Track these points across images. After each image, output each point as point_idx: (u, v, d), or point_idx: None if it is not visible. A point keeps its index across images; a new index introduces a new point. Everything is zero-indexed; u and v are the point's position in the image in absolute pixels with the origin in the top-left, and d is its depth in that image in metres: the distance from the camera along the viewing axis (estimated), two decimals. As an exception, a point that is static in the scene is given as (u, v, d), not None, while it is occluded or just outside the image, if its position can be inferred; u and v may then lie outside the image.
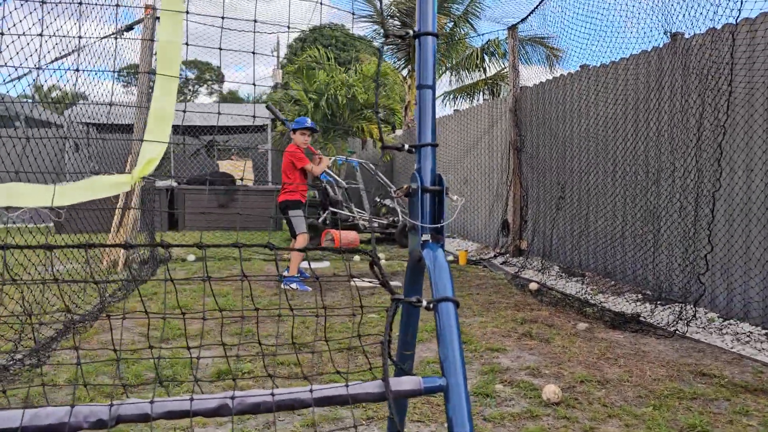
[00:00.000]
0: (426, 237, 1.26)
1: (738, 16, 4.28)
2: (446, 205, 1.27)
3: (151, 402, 1.00)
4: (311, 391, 0.98)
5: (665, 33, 5.56)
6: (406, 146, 1.31)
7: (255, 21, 1.53)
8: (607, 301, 5.60)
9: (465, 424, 1.00)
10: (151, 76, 7.85)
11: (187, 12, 1.23)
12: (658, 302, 5.26)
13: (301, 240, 6.36)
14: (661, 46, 5.58)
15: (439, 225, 1.25)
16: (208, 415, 1.00)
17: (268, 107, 7.70)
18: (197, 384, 3.43)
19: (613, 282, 6.27)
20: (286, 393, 0.98)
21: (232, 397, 0.97)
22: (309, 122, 6.56)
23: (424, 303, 1.13)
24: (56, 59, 6.36)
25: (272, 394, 0.97)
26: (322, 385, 1.01)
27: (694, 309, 4.71)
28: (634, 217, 5.99)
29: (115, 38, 6.98)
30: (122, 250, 7.16)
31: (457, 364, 1.05)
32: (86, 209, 7.12)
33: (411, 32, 1.30)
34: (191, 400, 0.98)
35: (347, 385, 1.01)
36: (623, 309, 5.26)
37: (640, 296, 5.67)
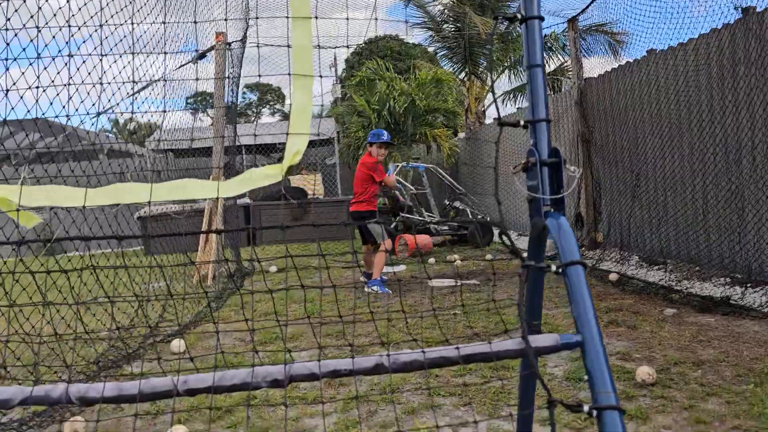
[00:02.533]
0: (547, 208, 1.38)
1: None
2: (564, 175, 1.39)
3: (319, 361, 1.18)
4: (458, 348, 1.13)
5: (736, 8, 5.44)
6: (522, 121, 1.44)
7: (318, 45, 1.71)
8: (693, 287, 5.49)
9: (605, 375, 1.11)
10: (228, 100, 8.27)
11: (317, 17, 1.42)
12: (748, 285, 5.12)
13: (387, 244, 6.56)
14: (732, 22, 5.45)
15: (559, 195, 1.37)
16: (368, 373, 1.16)
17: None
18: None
19: (698, 267, 6.12)
20: (435, 351, 1.13)
21: (388, 356, 1.13)
22: (386, 136, 6.74)
23: (554, 267, 1.26)
24: (135, 93, 6.85)
25: (423, 352, 1.12)
26: (467, 344, 1.16)
27: (788, 288, 4.57)
28: (716, 200, 5.85)
29: (194, 62, 7.42)
30: (210, 266, 7.59)
31: (590, 321, 1.16)
32: (171, 234, 7.59)
33: (519, 15, 1.43)
34: (353, 359, 1.15)
35: (490, 343, 1.15)
36: (711, 293, 5.15)
37: (728, 280, 5.53)
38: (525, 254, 1.47)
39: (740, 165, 5.46)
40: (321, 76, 1.74)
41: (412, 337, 3.46)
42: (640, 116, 7.06)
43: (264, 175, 1.32)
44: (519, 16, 1.43)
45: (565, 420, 2.83)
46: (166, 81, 6.31)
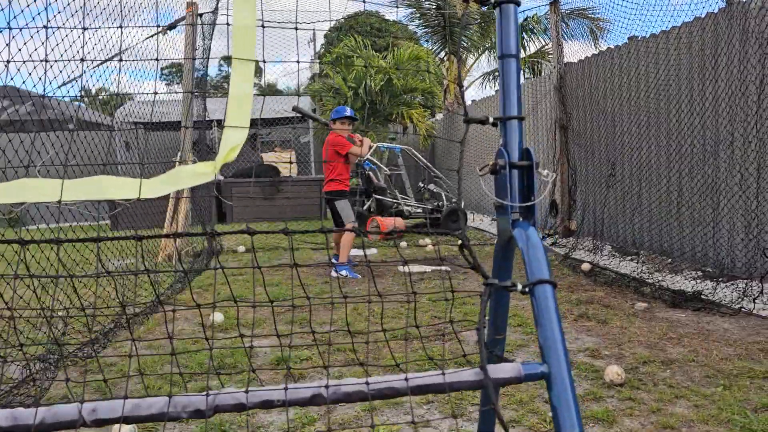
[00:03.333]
0: (516, 216, 1.22)
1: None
2: (536, 180, 1.23)
3: (246, 392, 1.02)
4: (407, 379, 0.98)
5: (720, -2, 5.33)
6: (491, 119, 1.28)
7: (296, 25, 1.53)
8: (665, 280, 5.45)
9: (572, 413, 0.97)
10: (199, 72, 7.98)
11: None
12: (720, 279, 5.09)
13: (350, 228, 6.39)
14: (716, 11, 5.34)
15: (530, 203, 1.22)
16: (303, 404, 1.01)
17: (295, 109, 7.71)
18: (257, 375, 3.51)
19: (670, 260, 6.09)
20: (382, 381, 0.98)
21: (327, 386, 0.98)
22: (348, 111, 6.53)
23: (519, 287, 1.11)
24: (102, 62, 6.52)
25: (367, 383, 0.97)
26: (418, 374, 1.01)
27: (760, 285, 4.54)
28: (691, 192, 5.80)
29: (159, 36, 7.09)
30: (176, 244, 7.35)
31: (558, 349, 1.02)
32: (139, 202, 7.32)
33: (492, 0, 1.26)
34: (286, 389, 1.00)
35: (443, 373, 1.00)
36: (683, 287, 5.11)
37: (700, 274, 5.50)
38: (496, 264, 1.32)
39: (717, 158, 5.40)
40: (298, 60, 1.55)
41: (382, 327, 3.34)
42: (619, 104, 6.97)
43: (193, 174, 1.15)
44: (492, 0, 1.26)
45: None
46: (124, 44, 6.00)
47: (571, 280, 5.83)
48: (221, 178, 12.12)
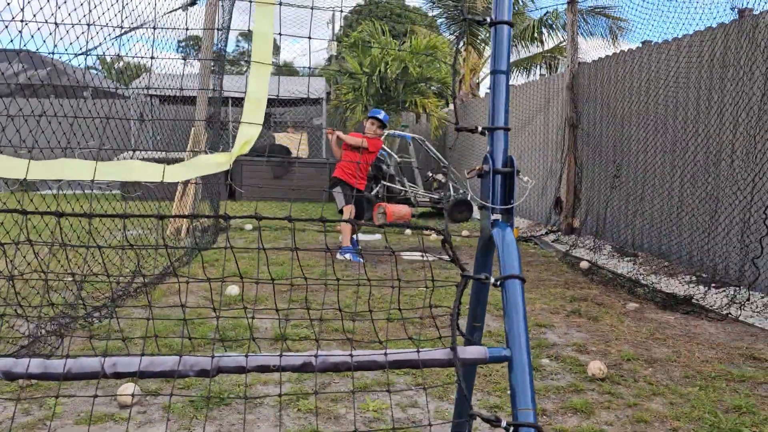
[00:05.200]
0: (497, 216, 1.37)
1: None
2: (516, 185, 1.37)
3: (246, 356, 1.17)
4: (386, 354, 1.13)
5: (732, 8, 5.39)
6: (480, 128, 1.42)
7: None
8: (659, 282, 5.58)
9: (527, 393, 1.12)
10: (214, 49, 8.10)
11: (281, 3, 1.37)
12: (712, 285, 5.22)
13: (347, 211, 6.55)
14: (727, 22, 5.41)
15: (508, 206, 1.36)
16: (295, 370, 1.16)
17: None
18: (255, 343, 3.69)
19: (666, 263, 6.22)
20: (364, 355, 1.14)
21: (316, 356, 1.13)
22: (382, 115, 6.67)
23: (492, 280, 1.26)
24: (123, 33, 6.66)
25: (351, 355, 1.12)
26: (396, 350, 1.16)
27: (748, 292, 4.66)
28: (692, 198, 5.90)
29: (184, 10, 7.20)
30: (184, 219, 7.54)
31: (521, 337, 1.17)
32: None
33: (488, 19, 1.39)
34: (281, 356, 1.15)
35: (418, 351, 1.15)
36: (676, 290, 5.24)
37: (693, 278, 5.62)
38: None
39: (718, 167, 5.49)
40: (309, 36, 1.66)
41: (369, 308, 3.49)
42: (628, 107, 7.04)
43: (211, 163, 1.30)
44: (488, 19, 1.39)
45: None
46: (154, 28, 6.13)
47: (569, 277, 5.96)
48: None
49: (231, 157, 1.30)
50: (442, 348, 1.20)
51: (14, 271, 3.39)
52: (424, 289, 5.22)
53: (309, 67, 1.83)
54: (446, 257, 1.22)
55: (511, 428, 1.10)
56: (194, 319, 4.04)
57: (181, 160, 1.39)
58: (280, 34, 1.42)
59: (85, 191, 9.06)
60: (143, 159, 1.65)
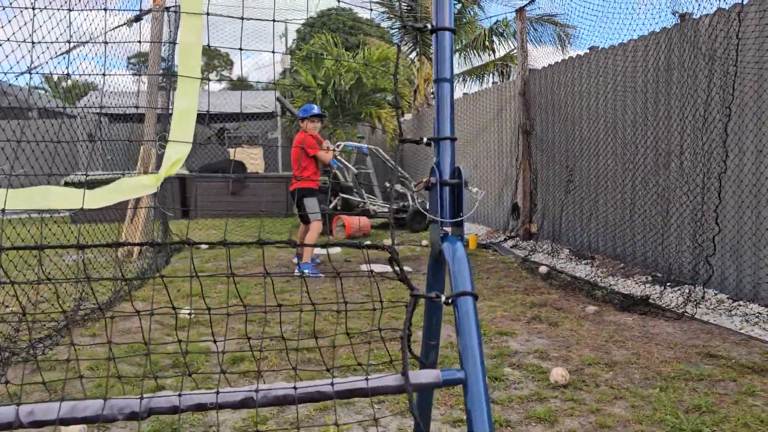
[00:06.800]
0: (446, 229, 1.31)
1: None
2: (465, 197, 1.31)
3: (179, 395, 1.07)
4: (332, 384, 1.05)
5: (674, 13, 5.53)
6: (425, 139, 1.36)
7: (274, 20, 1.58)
8: (616, 284, 5.64)
9: (484, 416, 1.05)
10: (161, 66, 7.91)
11: (208, 14, 1.29)
12: (668, 284, 5.30)
13: (317, 226, 6.44)
14: (670, 27, 5.55)
15: (458, 219, 1.30)
16: (235, 407, 1.07)
17: (278, 99, 7.72)
18: (191, 376, 3.54)
19: (622, 264, 6.30)
20: (309, 386, 1.05)
21: (257, 390, 1.04)
22: (316, 109, 6.61)
23: (443, 298, 1.19)
24: (66, 52, 6.42)
25: (295, 388, 1.04)
26: (344, 379, 1.08)
27: (703, 290, 4.75)
28: (644, 200, 6.01)
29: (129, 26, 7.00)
30: (136, 239, 7.28)
31: (476, 357, 1.10)
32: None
33: (429, 26, 1.33)
34: (217, 393, 1.06)
35: (367, 379, 1.07)
36: (633, 291, 5.31)
37: (649, 278, 5.71)
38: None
39: (668, 168, 5.61)
40: (273, 52, 1.58)
41: (314, 335, 3.39)
42: (579, 112, 7.16)
43: (136, 186, 1.20)
44: (429, 26, 1.33)
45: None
46: (105, 43, 5.92)
47: (528, 283, 5.98)
48: (186, 172, 12.01)
49: (158, 179, 1.20)
50: (393, 374, 1.12)
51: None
52: (372, 311, 5.14)
53: (265, 81, 1.74)
54: (393, 277, 1.15)
55: (469, 457, 1.03)
56: (145, 347, 3.85)
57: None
58: (209, 46, 1.33)
59: (31, 215, 8.68)
60: (95, 179, 1.54)
